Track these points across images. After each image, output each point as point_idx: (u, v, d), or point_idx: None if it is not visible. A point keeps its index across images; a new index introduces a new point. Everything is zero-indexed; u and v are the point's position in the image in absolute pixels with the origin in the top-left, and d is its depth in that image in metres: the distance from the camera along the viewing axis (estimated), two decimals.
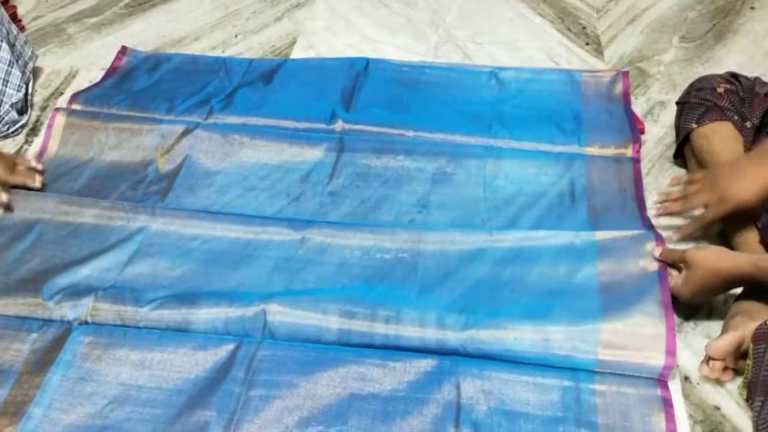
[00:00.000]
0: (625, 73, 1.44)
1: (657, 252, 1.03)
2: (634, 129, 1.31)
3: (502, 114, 1.37)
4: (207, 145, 1.31)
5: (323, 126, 1.34)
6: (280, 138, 1.32)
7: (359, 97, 1.43)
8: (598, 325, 0.95)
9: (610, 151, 1.27)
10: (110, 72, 1.53)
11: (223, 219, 1.17)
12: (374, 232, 1.13)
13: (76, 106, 1.41)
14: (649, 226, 1.12)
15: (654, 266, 1.01)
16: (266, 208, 1.21)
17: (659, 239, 1.05)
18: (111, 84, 1.49)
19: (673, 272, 1.00)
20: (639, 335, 0.93)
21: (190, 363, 0.98)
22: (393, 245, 1.11)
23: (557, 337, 0.94)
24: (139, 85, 1.48)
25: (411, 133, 1.32)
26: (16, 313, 1.04)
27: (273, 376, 0.96)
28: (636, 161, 1.25)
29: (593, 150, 1.27)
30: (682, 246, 1.02)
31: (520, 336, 0.95)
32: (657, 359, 0.92)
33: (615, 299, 0.99)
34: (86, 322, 1.03)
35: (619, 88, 1.41)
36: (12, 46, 1.42)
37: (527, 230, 1.13)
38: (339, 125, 1.34)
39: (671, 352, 0.92)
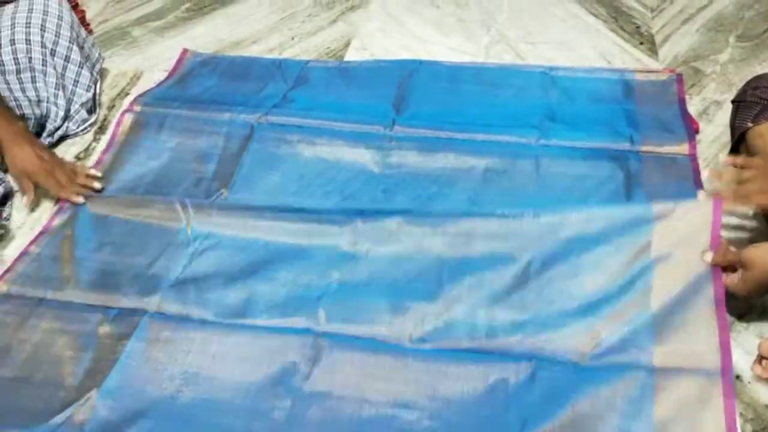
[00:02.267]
0: (679, 76, 1.43)
1: (708, 257, 1.01)
2: (689, 129, 1.30)
3: (554, 113, 1.38)
4: (264, 145, 1.37)
5: (376, 129, 1.37)
6: (334, 138, 1.36)
7: (411, 100, 1.45)
8: (652, 346, 0.94)
9: (665, 150, 1.26)
10: (172, 73, 1.60)
11: (281, 217, 1.20)
12: (428, 225, 1.14)
13: (137, 107, 1.48)
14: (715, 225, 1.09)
15: (709, 278, 1.00)
16: (321, 206, 1.23)
17: (715, 239, 1.03)
18: (172, 85, 1.56)
19: (729, 273, 0.99)
20: (694, 353, 0.93)
21: (254, 352, 1.02)
22: (444, 241, 1.13)
23: (611, 354, 0.95)
24: (198, 87, 1.55)
25: (461, 135, 1.34)
26: (89, 303, 1.11)
27: (331, 361, 0.99)
28: (693, 158, 1.24)
29: (648, 148, 1.27)
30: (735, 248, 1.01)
31: (572, 343, 0.96)
32: (713, 366, 0.92)
33: (669, 314, 0.98)
34: (151, 311, 1.08)
35: (673, 88, 1.41)
36: (81, 48, 1.49)
37: (578, 248, 1.09)
38: (391, 128, 1.37)
39: (727, 370, 0.91)
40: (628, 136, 1.29)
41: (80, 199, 1.27)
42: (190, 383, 0.99)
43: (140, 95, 1.52)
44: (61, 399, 0.98)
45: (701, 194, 1.14)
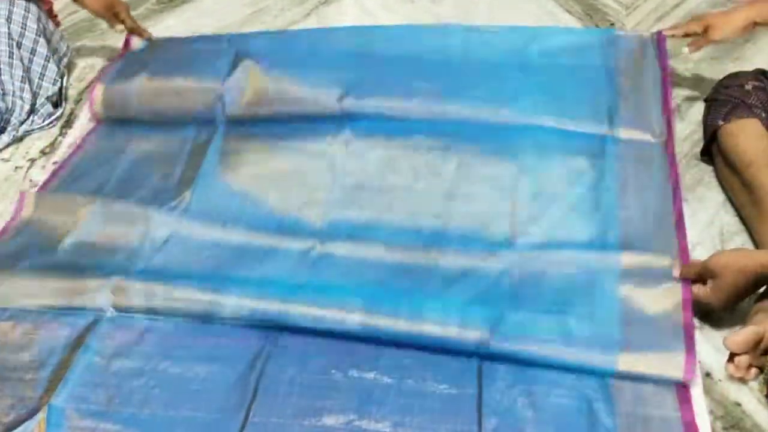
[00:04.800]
0: (662, 37, 1.40)
1: (676, 272, 1.01)
2: (667, 107, 1.29)
3: (530, 82, 1.34)
4: (226, 145, 1.33)
5: (334, 103, 1.31)
6: (298, 137, 1.32)
7: (371, 66, 1.40)
8: (616, 355, 0.94)
9: (642, 137, 1.24)
10: (124, 51, 1.58)
11: (242, 225, 1.18)
12: (394, 234, 1.14)
13: (100, 86, 1.44)
14: (681, 224, 1.10)
15: (677, 294, 1.00)
16: (286, 205, 1.21)
17: (684, 256, 1.04)
18: (129, 60, 1.52)
19: (699, 285, 0.99)
20: (658, 357, 0.93)
21: (214, 352, 1.00)
22: (414, 246, 1.11)
23: (576, 355, 0.94)
24: (154, 60, 1.50)
25: (427, 110, 1.29)
26: (52, 305, 1.07)
27: (294, 366, 0.98)
28: (670, 148, 1.23)
29: (625, 133, 1.25)
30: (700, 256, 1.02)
31: (539, 348, 0.95)
32: (676, 372, 0.91)
33: (636, 327, 0.98)
34: (115, 311, 1.05)
35: (654, 50, 1.39)
36: (48, 42, 1.46)
37: (550, 247, 1.09)
38: (350, 99, 1.31)
39: (691, 370, 0.91)
40: (607, 115, 1.27)
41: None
42: (154, 391, 0.96)
43: (102, 72, 1.50)
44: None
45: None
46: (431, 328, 0.97)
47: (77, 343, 1.02)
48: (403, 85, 1.34)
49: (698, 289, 0.99)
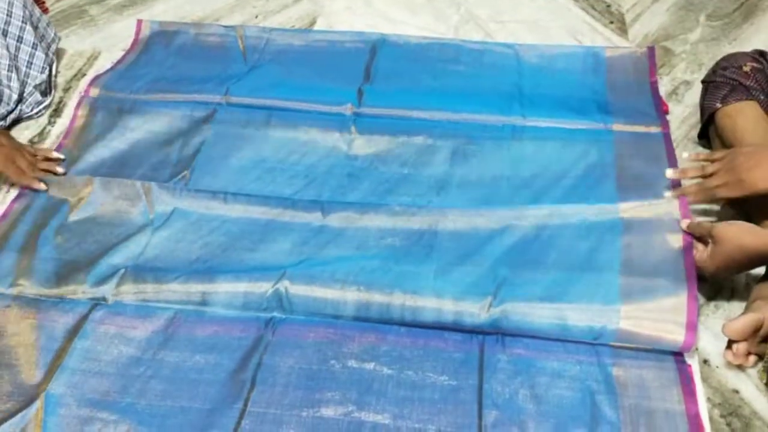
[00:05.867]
0: (651, 50, 1.42)
1: (684, 224, 1.02)
2: (659, 107, 1.30)
3: (524, 92, 1.36)
4: (226, 128, 1.33)
5: (341, 110, 1.34)
6: (298, 120, 1.33)
7: (376, 79, 1.42)
8: (619, 305, 0.95)
9: (638, 128, 1.26)
10: (132, 47, 1.55)
11: (243, 200, 1.18)
12: (392, 213, 1.13)
13: (95, 90, 1.42)
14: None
15: (679, 241, 1.01)
16: (284, 190, 1.21)
17: (685, 212, 1.04)
18: (129, 65, 1.50)
19: (699, 246, 1.00)
20: (659, 310, 0.93)
21: (213, 342, 1.00)
22: (411, 226, 1.11)
23: (576, 315, 0.94)
24: (157, 67, 1.49)
25: (429, 115, 1.32)
26: (47, 296, 1.07)
27: (292, 356, 0.97)
28: (666, 135, 1.24)
29: (620, 126, 1.26)
30: (710, 220, 1.02)
31: (538, 314, 0.95)
32: (677, 334, 0.91)
33: (637, 275, 0.99)
34: (110, 301, 1.04)
35: (644, 64, 1.40)
36: (35, 28, 1.43)
37: (550, 205, 1.11)
38: (357, 109, 1.34)
39: (692, 327, 0.91)
40: (600, 114, 1.29)
41: (42, 186, 1.23)
42: (152, 381, 0.96)
43: (97, 77, 1.46)
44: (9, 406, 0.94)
45: (669, 172, 1.13)
46: (429, 301, 0.98)
47: (75, 331, 1.01)
48: (408, 96, 1.37)
49: (696, 252, 0.99)
